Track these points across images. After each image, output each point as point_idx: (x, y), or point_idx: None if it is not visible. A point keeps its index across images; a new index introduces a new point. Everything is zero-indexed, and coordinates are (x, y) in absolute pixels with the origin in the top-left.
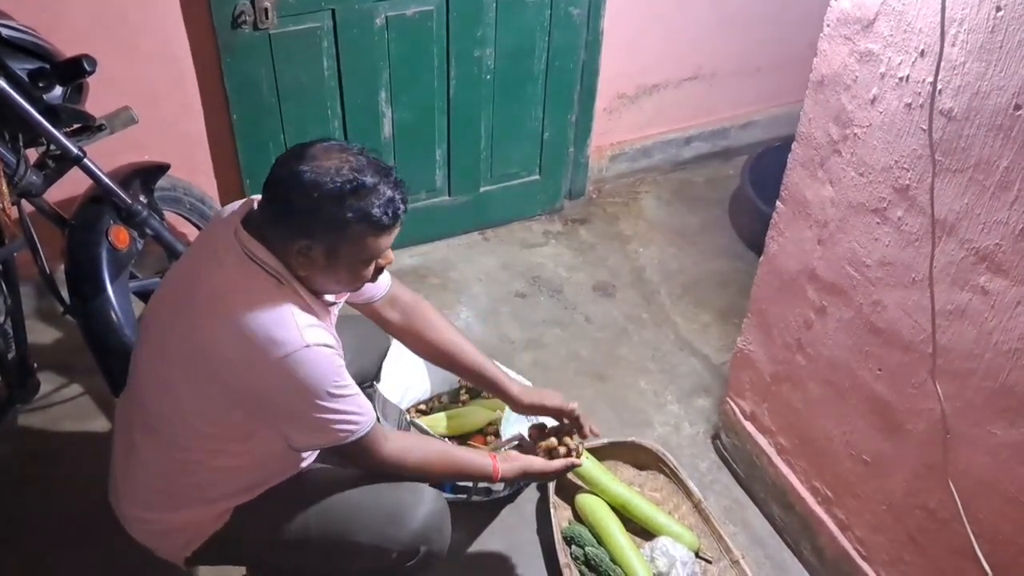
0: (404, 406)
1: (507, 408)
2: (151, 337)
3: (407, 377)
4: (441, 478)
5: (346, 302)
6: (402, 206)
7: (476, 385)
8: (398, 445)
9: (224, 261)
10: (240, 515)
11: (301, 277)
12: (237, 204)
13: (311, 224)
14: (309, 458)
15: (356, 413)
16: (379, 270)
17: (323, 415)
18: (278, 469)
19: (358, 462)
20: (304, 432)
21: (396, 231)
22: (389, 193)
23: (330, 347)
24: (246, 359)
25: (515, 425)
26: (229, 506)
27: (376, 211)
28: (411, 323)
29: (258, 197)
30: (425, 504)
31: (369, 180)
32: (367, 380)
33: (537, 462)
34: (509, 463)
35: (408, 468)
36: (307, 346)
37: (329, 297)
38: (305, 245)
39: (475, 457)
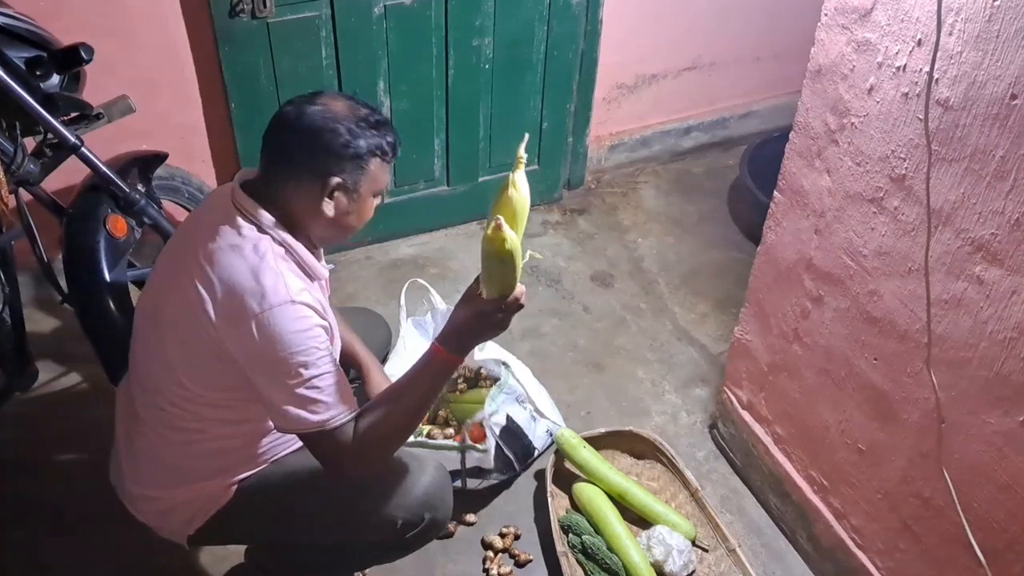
0: None
1: (493, 388)
2: (147, 311)
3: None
4: (414, 423)
5: None
6: (397, 139)
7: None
8: (364, 427)
9: (219, 224)
10: (245, 488)
11: (309, 228)
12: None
13: (340, 160)
14: None
15: (332, 396)
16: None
17: (301, 383)
18: (283, 438)
19: (328, 459)
20: (281, 400)
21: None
22: (390, 128)
23: (315, 309)
24: (232, 311)
25: (503, 407)
26: (234, 478)
27: (386, 143)
28: None
29: (247, 169)
30: (428, 473)
31: (383, 116)
32: None
33: (470, 291)
34: (448, 329)
35: (383, 446)
36: (292, 301)
37: (321, 268)
38: (336, 184)
39: (422, 372)
